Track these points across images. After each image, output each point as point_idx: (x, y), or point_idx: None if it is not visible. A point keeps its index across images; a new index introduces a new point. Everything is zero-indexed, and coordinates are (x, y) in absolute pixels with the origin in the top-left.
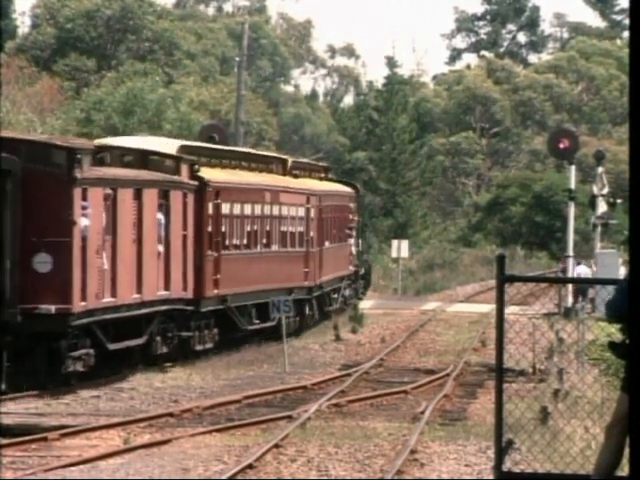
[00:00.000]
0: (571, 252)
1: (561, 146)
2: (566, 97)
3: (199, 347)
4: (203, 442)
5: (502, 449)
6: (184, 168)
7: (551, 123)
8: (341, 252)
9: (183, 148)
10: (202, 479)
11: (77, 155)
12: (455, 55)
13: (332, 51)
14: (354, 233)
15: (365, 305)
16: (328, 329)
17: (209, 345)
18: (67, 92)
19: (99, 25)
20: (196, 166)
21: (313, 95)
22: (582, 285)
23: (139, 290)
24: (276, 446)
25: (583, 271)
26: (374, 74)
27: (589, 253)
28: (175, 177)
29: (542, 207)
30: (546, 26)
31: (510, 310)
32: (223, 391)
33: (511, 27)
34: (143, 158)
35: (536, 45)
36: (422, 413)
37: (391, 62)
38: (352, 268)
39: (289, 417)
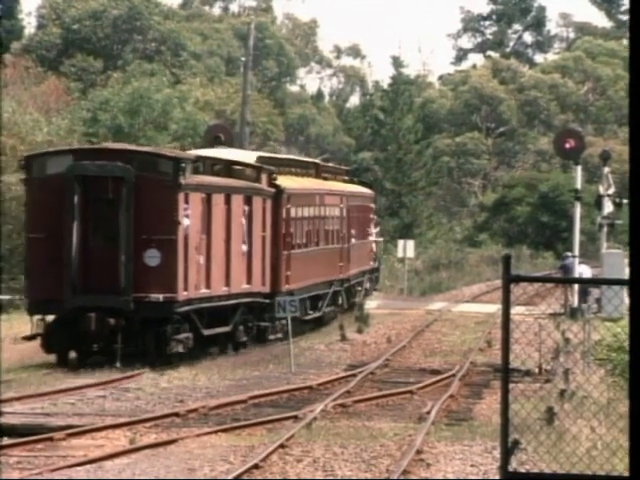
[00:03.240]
0: (577, 252)
1: (567, 146)
2: (572, 97)
3: (271, 337)
4: (209, 442)
5: (508, 449)
6: (264, 177)
7: (557, 123)
8: (364, 248)
9: (259, 158)
10: (208, 479)
11: (182, 164)
12: (461, 55)
13: (338, 51)
14: (374, 230)
15: (371, 305)
16: (334, 329)
17: (279, 335)
18: (74, 93)
19: (106, 25)
20: (274, 175)
21: (319, 95)
22: (583, 285)
23: (227, 283)
24: (282, 446)
25: (584, 271)
26: (380, 74)
27: (595, 253)
28: (256, 185)
29: (548, 207)
30: (552, 26)
31: (516, 310)
32: (229, 391)
33: (517, 27)
34: (229, 167)
35: (542, 45)
36: (428, 413)
37: (397, 62)
38: (372, 263)
39: (295, 417)
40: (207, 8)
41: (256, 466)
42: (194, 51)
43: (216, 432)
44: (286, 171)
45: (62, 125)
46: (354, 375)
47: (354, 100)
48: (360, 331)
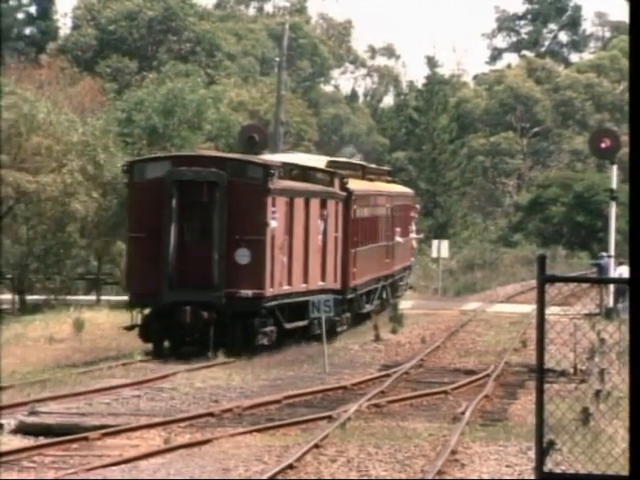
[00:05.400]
0: (612, 252)
1: (602, 146)
2: (608, 96)
3: (339, 329)
4: (243, 442)
5: (543, 450)
6: (336, 181)
7: (592, 123)
8: (406, 245)
9: (329, 163)
10: (242, 479)
11: (271, 170)
12: (496, 55)
13: (372, 51)
14: (414, 228)
15: (405, 305)
16: (368, 329)
17: (344, 327)
18: (109, 93)
19: (141, 26)
20: (345, 179)
21: (353, 95)
22: (621, 285)
23: (305, 280)
24: (316, 446)
25: (624, 271)
26: (414, 74)
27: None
28: (330, 188)
29: (583, 207)
30: (588, 25)
31: (551, 310)
32: (263, 391)
33: (552, 26)
34: (305, 172)
35: (577, 44)
36: (462, 413)
37: (431, 62)
38: (413, 259)
39: (329, 417)
40: (242, 8)
41: (290, 466)
42: (228, 51)
43: (251, 432)
44: (345, 174)
45: (97, 125)
46: (388, 375)
47: (388, 100)
48: (394, 331)
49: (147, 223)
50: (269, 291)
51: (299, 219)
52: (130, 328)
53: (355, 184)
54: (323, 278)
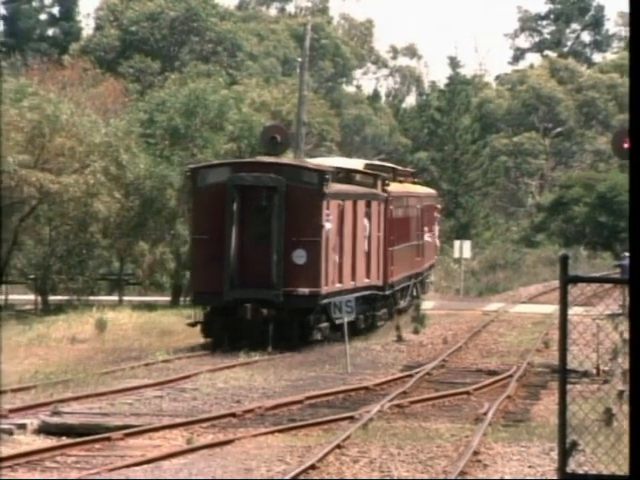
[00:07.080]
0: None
1: (625, 146)
2: None
3: (380, 323)
4: (265, 442)
5: (566, 450)
6: (379, 183)
7: (615, 123)
8: (432, 244)
9: (366, 165)
10: (265, 479)
11: (326, 175)
12: (518, 55)
13: (394, 51)
14: (438, 228)
15: (427, 306)
16: (390, 329)
17: (382, 322)
18: (132, 94)
19: (163, 27)
20: (386, 181)
21: (375, 95)
22: None
23: (353, 278)
24: (338, 447)
25: None
26: (436, 74)
27: None
28: (374, 190)
29: (606, 207)
30: (610, 25)
31: (574, 311)
32: (285, 392)
33: (575, 26)
34: (349, 175)
35: (600, 44)
36: (485, 414)
37: (453, 62)
38: (436, 257)
39: (351, 418)
40: (263, 9)
41: (313, 466)
42: (250, 52)
43: (273, 432)
44: (386, 177)
45: (119, 126)
46: (410, 376)
47: (410, 100)
48: (416, 332)
49: (210, 226)
50: (324, 289)
51: (349, 220)
52: (193, 324)
53: (391, 186)
54: (368, 275)
